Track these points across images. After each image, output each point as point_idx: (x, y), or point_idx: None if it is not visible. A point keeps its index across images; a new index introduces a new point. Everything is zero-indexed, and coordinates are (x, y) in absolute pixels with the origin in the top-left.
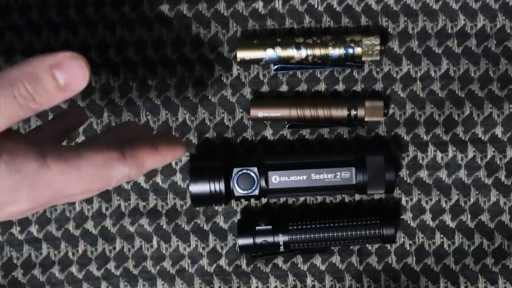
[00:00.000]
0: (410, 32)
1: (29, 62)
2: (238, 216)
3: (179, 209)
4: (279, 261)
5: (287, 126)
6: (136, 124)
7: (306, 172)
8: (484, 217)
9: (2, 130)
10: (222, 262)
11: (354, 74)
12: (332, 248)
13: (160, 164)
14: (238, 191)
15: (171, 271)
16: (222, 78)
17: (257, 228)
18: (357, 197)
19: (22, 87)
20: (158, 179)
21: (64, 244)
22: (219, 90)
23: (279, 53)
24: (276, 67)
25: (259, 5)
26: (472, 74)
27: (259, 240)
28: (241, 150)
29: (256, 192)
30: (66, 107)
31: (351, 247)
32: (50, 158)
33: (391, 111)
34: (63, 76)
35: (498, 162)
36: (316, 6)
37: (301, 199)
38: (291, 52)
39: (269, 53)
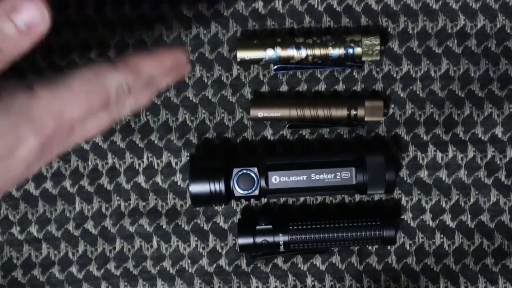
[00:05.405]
0: (410, 32)
1: None
2: (238, 216)
3: (179, 209)
4: (279, 261)
5: (287, 126)
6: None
7: (306, 172)
8: (484, 217)
9: None
10: (222, 262)
11: (354, 74)
12: (332, 248)
13: (159, 70)
14: (238, 191)
15: (171, 271)
16: (222, 78)
17: (257, 227)
18: (357, 197)
19: None
20: (158, 179)
21: (64, 244)
22: (219, 90)
23: (279, 53)
24: (276, 67)
25: (259, 5)
26: (472, 74)
27: (259, 239)
28: (241, 150)
29: (256, 192)
30: None
31: (351, 247)
32: (38, 86)
33: (391, 111)
34: (22, 19)
35: (498, 162)
36: (316, 6)
37: (301, 199)
38: (291, 52)
39: (269, 53)
